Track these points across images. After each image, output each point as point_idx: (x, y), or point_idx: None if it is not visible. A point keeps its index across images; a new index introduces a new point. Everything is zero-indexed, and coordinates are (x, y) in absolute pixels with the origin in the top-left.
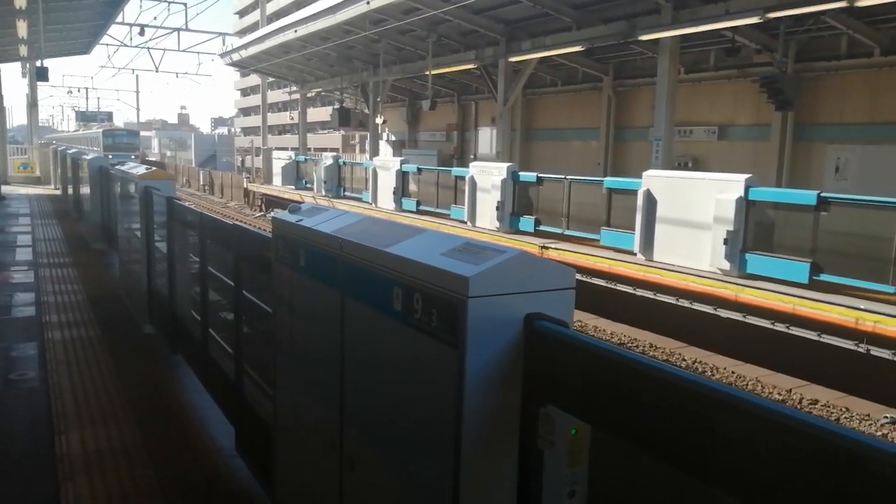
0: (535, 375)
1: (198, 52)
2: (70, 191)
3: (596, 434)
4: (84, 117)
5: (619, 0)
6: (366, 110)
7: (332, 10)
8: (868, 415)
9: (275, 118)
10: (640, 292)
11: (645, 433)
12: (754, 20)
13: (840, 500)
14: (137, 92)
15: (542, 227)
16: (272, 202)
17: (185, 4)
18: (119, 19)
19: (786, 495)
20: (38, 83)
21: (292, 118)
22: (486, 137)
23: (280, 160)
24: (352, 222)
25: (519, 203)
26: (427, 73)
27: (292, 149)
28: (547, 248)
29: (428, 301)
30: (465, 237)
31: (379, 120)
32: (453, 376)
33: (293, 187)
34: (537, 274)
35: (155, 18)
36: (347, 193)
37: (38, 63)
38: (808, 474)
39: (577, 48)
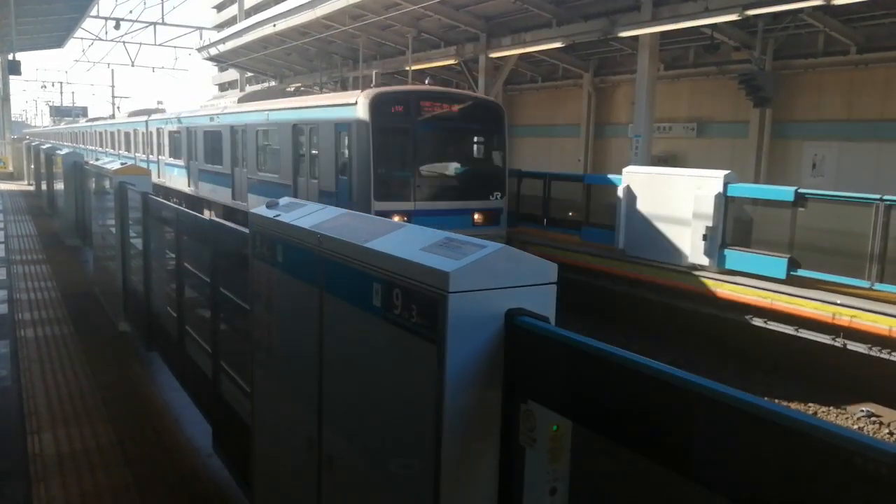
0: (516, 371)
1: (174, 47)
2: (44, 186)
3: (578, 430)
4: (58, 112)
5: None
6: None
7: (311, 4)
8: (845, 408)
9: None
10: None
11: (627, 429)
12: (733, 17)
13: (822, 494)
14: (113, 86)
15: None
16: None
17: None
18: (94, 12)
19: (767, 490)
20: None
21: None
22: None
23: None
24: (331, 217)
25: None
26: (407, 68)
27: None
28: None
29: (408, 297)
30: (445, 232)
31: None
32: (433, 373)
33: None
34: (518, 269)
35: (131, 12)
36: None
37: (10, 56)
38: (789, 468)
39: (558, 44)
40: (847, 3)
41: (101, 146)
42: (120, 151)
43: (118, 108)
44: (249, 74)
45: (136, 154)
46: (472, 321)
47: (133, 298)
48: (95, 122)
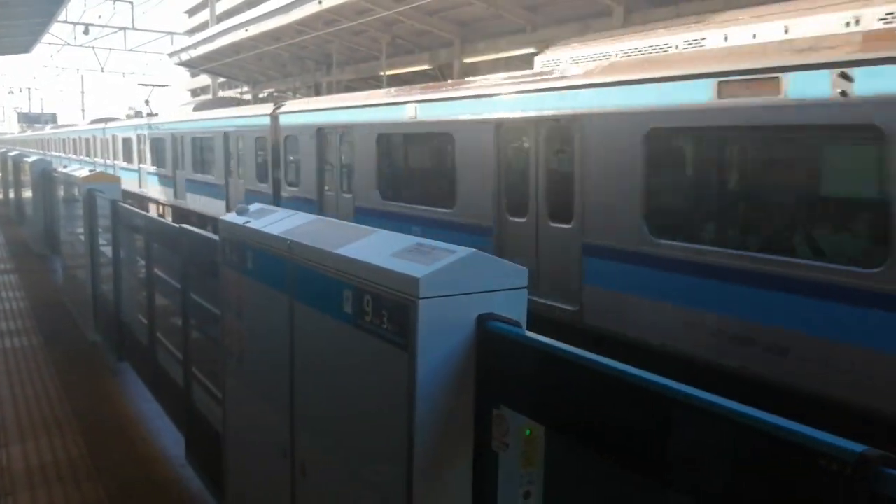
0: (488, 377)
1: (145, 52)
2: (11, 194)
3: (550, 435)
4: (27, 118)
5: (571, 1)
6: None
7: (284, 9)
8: None
9: None
10: None
11: (599, 434)
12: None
13: (791, 494)
14: (83, 92)
15: None
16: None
17: (131, 3)
18: (62, 17)
19: (736, 491)
20: None
21: None
22: None
23: None
24: (301, 223)
25: None
26: (381, 73)
27: None
28: None
29: (378, 303)
30: (416, 237)
31: None
32: (405, 379)
33: None
34: (489, 274)
35: (100, 17)
36: None
37: None
38: (758, 470)
39: (531, 49)
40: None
41: (65, 152)
42: (81, 157)
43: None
44: (222, 80)
45: (95, 159)
46: (443, 327)
47: (103, 308)
48: (60, 130)
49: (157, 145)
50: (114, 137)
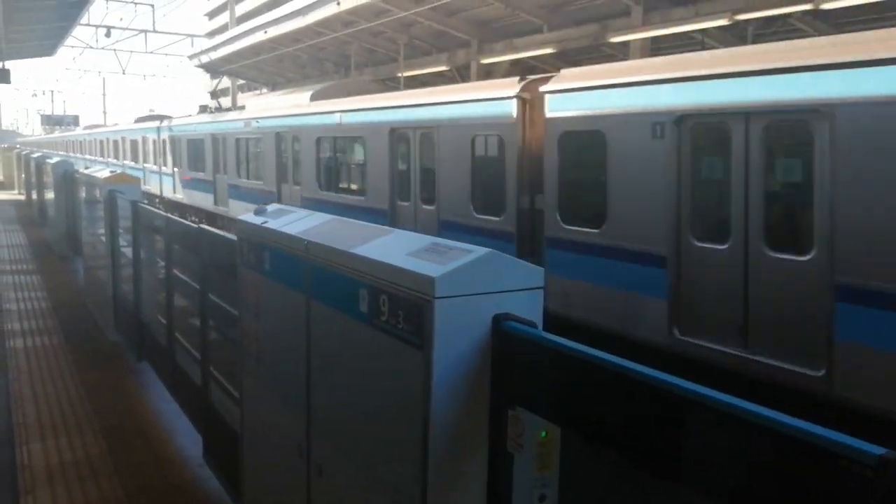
0: (504, 377)
1: (166, 54)
2: (34, 196)
3: (567, 436)
4: (49, 121)
5: (590, 2)
6: None
7: (302, 11)
8: None
9: None
10: None
11: (616, 434)
12: (723, 22)
13: (809, 497)
14: (104, 94)
15: None
16: None
17: (152, 6)
18: (84, 20)
19: (754, 493)
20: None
21: None
22: None
23: None
24: (318, 223)
25: None
26: (399, 75)
27: None
28: None
29: (394, 302)
30: (433, 237)
31: None
32: (420, 379)
33: None
34: (505, 274)
35: (121, 20)
36: None
37: (0, 65)
38: (776, 471)
39: (549, 50)
40: (836, 8)
41: (89, 154)
42: (109, 159)
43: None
44: (241, 82)
45: (109, 159)
46: (459, 327)
47: (123, 308)
48: (96, 131)
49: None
50: (175, 139)
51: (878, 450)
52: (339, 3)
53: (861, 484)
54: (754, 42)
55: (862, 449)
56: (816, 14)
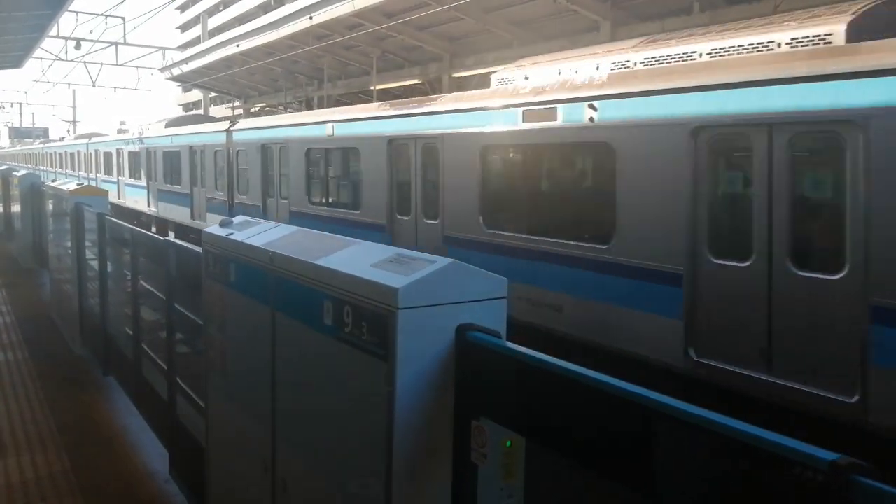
0: (468, 387)
1: (137, 67)
2: (0, 208)
3: (532, 446)
4: (18, 133)
5: (558, 17)
6: None
7: (275, 24)
8: None
9: None
10: None
11: (580, 445)
12: None
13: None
14: (74, 107)
15: None
16: None
17: (123, 18)
18: (53, 32)
19: (714, 501)
20: None
21: None
22: None
23: None
24: (284, 235)
25: None
26: (372, 88)
27: None
28: None
29: (358, 314)
30: (396, 248)
31: None
32: (384, 390)
33: None
34: (469, 284)
35: (91, 32)
36: None
37: None
38: (734, 479)
39: (521, 64)
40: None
41: (52, 166)
42: (66, 170)
43: (68, 131)
44: (213, 94)
45: (67, 171)
46: (423, 337)
47: (89, 322)
48: (47, 145)
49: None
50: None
51: (829, 455)
52: (311, 18)
53: (814, 489)
54: None
55: (814, 455)
56: None
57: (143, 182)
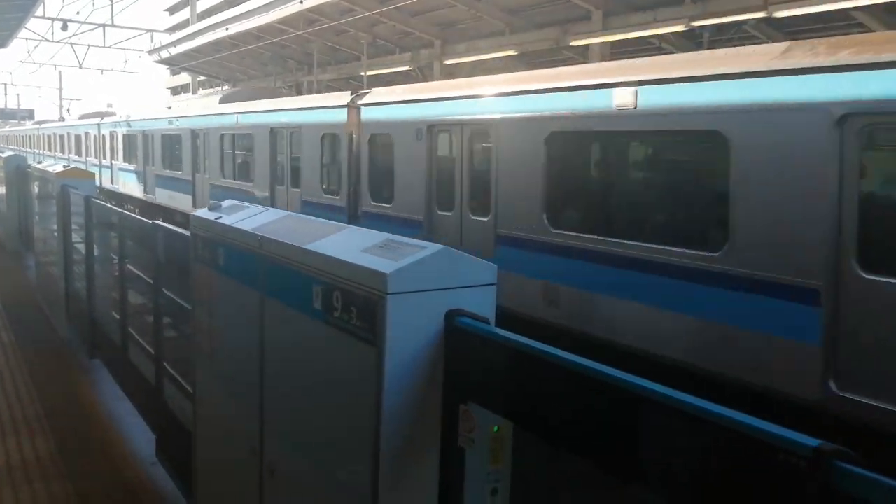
0: (456, 372)
1: (125, 49)
2: None
3: (519, 431)
4: (2, 115)
5: (550, 6)
6: None
7: (265, 8)
8: None
9: None
10: None
11: (567, 430)
12: (680, 28)
13: (751, 489)
14: (60, 88)
15: None
16: None
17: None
18: (40, 13)
19: (706, 488)
20: None
21: None
22: None
23: None
24: (273, 219)
25: None
26: (362, 74)
27: None
28: None
29: (347, 299)
30: (387, 233)
31: None
32: (373, 375)
33: None
34: (458, 270)
35: (78, 13)
36: None
37: None
38: (721, 465)
39: (511, 52)
40: (788, 16)
41: (39, 148)
42: (70, 156)
43: (67, 110)
44: (202, 78)
45: (71, 157)
46: (412, 323)
47: (76, 305)
48: (43, 126)
49: None
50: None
51: (812, 441)
52: (301, 2)
53: (797, 475)
54: (709, 46)
55: (797, 441)
56: (769, 21)
57: (185, 174)
